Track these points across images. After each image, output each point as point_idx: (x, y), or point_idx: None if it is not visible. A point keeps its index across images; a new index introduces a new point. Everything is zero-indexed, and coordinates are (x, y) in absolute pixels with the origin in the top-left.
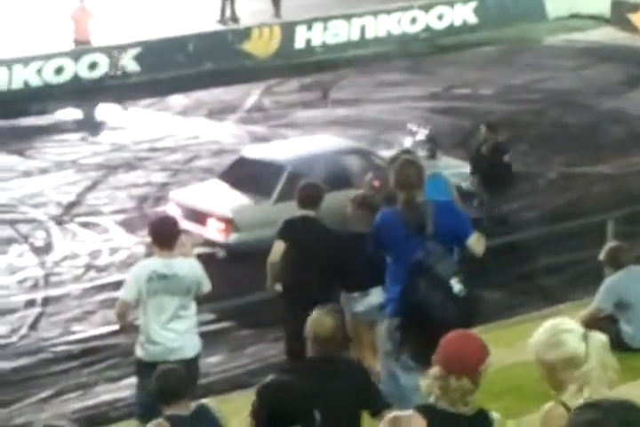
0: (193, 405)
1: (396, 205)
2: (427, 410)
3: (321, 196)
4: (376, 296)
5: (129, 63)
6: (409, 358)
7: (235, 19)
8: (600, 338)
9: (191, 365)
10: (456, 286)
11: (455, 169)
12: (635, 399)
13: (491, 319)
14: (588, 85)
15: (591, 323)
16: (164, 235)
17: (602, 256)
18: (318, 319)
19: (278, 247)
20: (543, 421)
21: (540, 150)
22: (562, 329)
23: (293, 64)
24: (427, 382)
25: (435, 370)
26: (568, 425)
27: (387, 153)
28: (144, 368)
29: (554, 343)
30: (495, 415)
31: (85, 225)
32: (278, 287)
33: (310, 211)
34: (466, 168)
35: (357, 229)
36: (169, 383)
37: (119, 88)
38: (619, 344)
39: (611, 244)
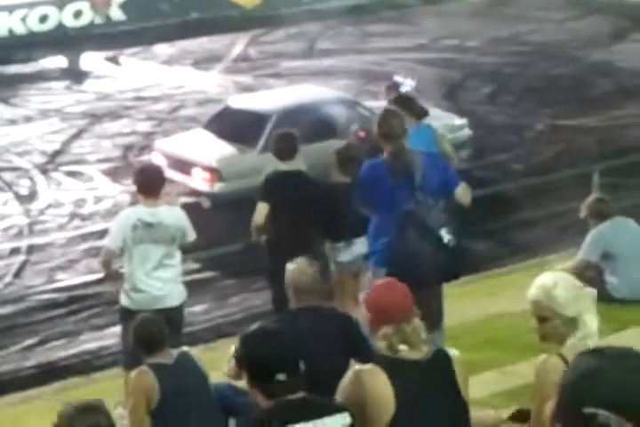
0: (174, 353)
1: (382, 155)
2: (385, 361)
3: (297, 145)
4: (361, 246)
5: (114, 12)
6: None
7: None
8: (592, 292)
9: (176, 313)
10: (445, 236)
11: (443, 120)
12: None
13: (477, 270)
14: (575, 38)
15: (577, 274)
16: (149, 183)
17: (583, 211)
18: (298, 270)
19: (262, 209)
20: (539, 372)
21: (527, 102)
22: (579, 285)
23: (279, 14)
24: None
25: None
26: (569, 371)
27: (372, 103)
28: (129, 316)
29: (575, 298)
30: (453, 352)
31: (70, 174)
32: (263, 238)
33: (289, 162)
34: (452, 120)
35: (342, 180)
36: (148, 332)
37: (104, 36)
38: (603, 295)
39: (590, 197)
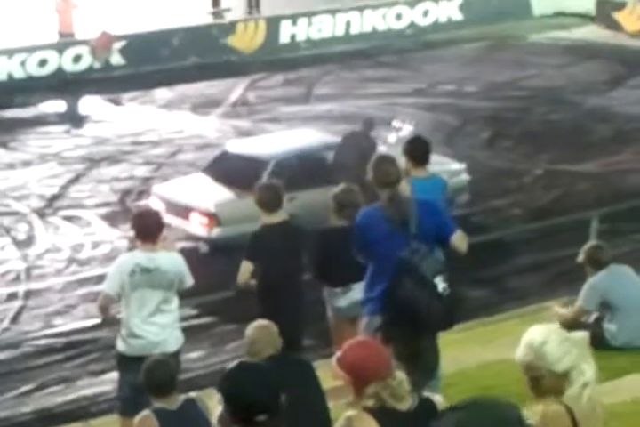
0: (181, 398)
1: (377, 202)
2: (373, 409)
3: (282, 196)
4: (358, 292)
5: (114, 56)
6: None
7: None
8: (583, 338)
9: (170, 359)
10: (440, 284)
11: (441, 166)
12: (618, 397)
13: (473, 316)
14: (573, 83)
15: (574, 321)
16: (147, 228)
17: (580, 257)
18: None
19: (246, 268)
20: (543, 420)
21: (525, 147)
22: (567, 337)
23: (278, 59)
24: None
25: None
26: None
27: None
28: (126, 362)
29: (566, 352)
30: (438, 399)
31: (68, 218)
32: (252, 282)
33: (274, 214)
34: (450, 165)
35: (339, 225)
36: (158, 375)
37: (103, 81)
38: (602, 343)
39: (588, 244)
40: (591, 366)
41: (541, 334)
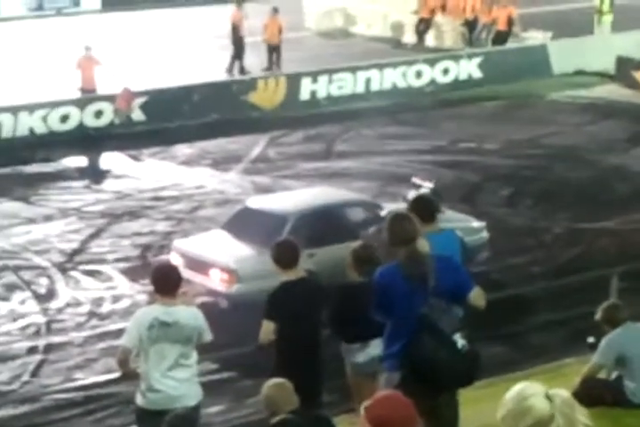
0: None
1: (395, 259)
2: None
3: (298, 254)
4: (376, 347)
5: (135, 112)
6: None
7: (243, 72)
8: (563, 395)
9: (192, 413)
10: (459, 341)
11: (459, 223)
12: None
13: (492, 373)
14: (592, 141)
15: (590, 378)
16: (166, 282)
17: (598, 316)
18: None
19: (268, 328)
20: None
21: (545, 205)
22: (526, 395)
23: (298, 116)
24: None
25: None
26: None
27: (391, 205)
28: (144, 416)
29: (522, 411)
30: None
31: (88, 273)
32: (271, 337)
33: (291, 271)
34: (470, 222)
35: (357, 281)
36: None
37: (124, 137)
38: (622, 400)
39: (605, 303)
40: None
41: (525, 388)
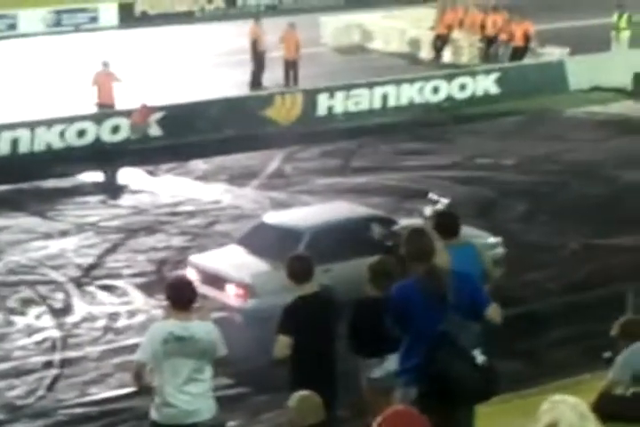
0: None
1: (412, 275)
2: None
3: (312, 268)
4: (393, 362)
5: (152, 127)
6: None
7: (259, 87)
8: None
9: None
10: (478, 357)
11: (475, 239)
12: None
13: (509, 389)
14: (609, 158)
15: (607, 394)
16: (181, 297)
17: (614, 331)
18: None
19: (283, 342)
20: None
21: (561, 221)
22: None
23: (315, 131)
24: None
25: None
26: None
27: (407, 221)
28: None
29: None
30: None
31: (104, 288)
32: (287, 351)
33: (305, 285)
34: (486, 238)
35: (374, 295)
36: None
37: (141, 152)
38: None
39: (622, 319)
40: None
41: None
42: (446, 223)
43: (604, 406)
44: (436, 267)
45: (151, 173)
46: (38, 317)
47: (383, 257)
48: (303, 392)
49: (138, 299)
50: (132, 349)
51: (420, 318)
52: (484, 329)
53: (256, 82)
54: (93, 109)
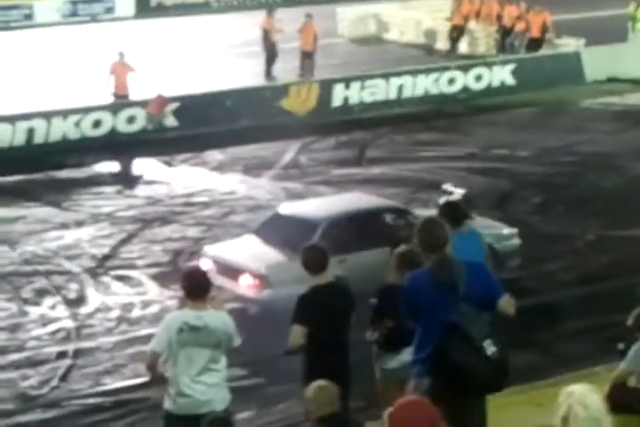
0: None
1: (424, 266)
2: None
3: (327, 258)
4: (408, 354)
5: (167, 118)
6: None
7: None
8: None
9: (229, 417)
10: (490, 348)
11: (490, 230)
12: None
13: (522, 380)
14: (625, 149)
15: (619, 384)
16: (195, 287)
17: (629, 322)
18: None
19: (298, 332)
20: None
21: (577, 212)
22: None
23: (330, 122)
24: None
25: None
26: None
27: (422, 212)
28: (173, 421)
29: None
30: None
31: (119, 278)
32: (302, 341)
33: (320, 275)
34: (501, 229)
35: (397, 283)
36: None
37: (156, 142)
38: None
39: (638, 309)
40: None
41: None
42: (451, 212)
43: (617, 397)
44: (448, 257)
45: (166, 164)
46: (52, 307)
47: (412, 246)
48: (321, 382)
49: (152, 289)
50: (145, 339)
51: (431, 307)
52: (497, 320)
53: (269, 71)
54: (110, 99)
